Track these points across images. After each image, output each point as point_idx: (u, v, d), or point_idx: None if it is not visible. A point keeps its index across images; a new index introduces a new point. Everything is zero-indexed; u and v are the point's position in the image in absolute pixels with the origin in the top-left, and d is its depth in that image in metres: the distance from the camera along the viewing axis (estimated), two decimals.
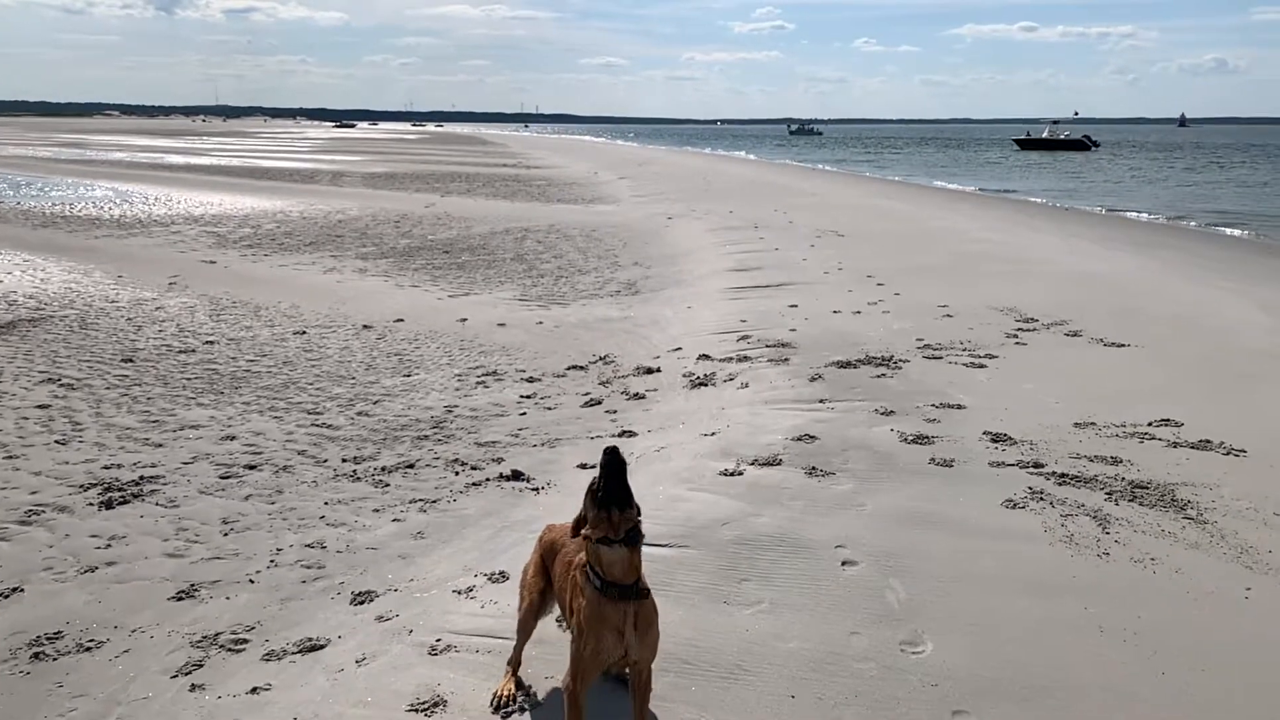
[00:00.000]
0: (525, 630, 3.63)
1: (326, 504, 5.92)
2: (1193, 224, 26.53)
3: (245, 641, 4.33)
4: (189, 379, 8.64)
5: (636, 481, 5.87)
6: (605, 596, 2.96)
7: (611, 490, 2.88)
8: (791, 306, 11.08)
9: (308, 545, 5.33)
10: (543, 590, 3.56)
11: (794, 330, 9.81)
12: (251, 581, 4.91)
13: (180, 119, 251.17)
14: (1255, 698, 3.50)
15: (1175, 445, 6.20)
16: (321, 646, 4.21)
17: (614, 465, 2.88)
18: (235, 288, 13.19)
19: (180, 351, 9.60)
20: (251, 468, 6.51)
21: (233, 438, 7.11)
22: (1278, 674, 3.65)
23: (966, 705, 3.44)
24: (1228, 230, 25.08)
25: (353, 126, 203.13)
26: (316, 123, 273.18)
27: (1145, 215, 28.90)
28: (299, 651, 4.17)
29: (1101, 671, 3.65)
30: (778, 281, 12.98)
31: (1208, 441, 6.23)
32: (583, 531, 3.00)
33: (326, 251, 16.99)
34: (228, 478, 6.32)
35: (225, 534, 5.48)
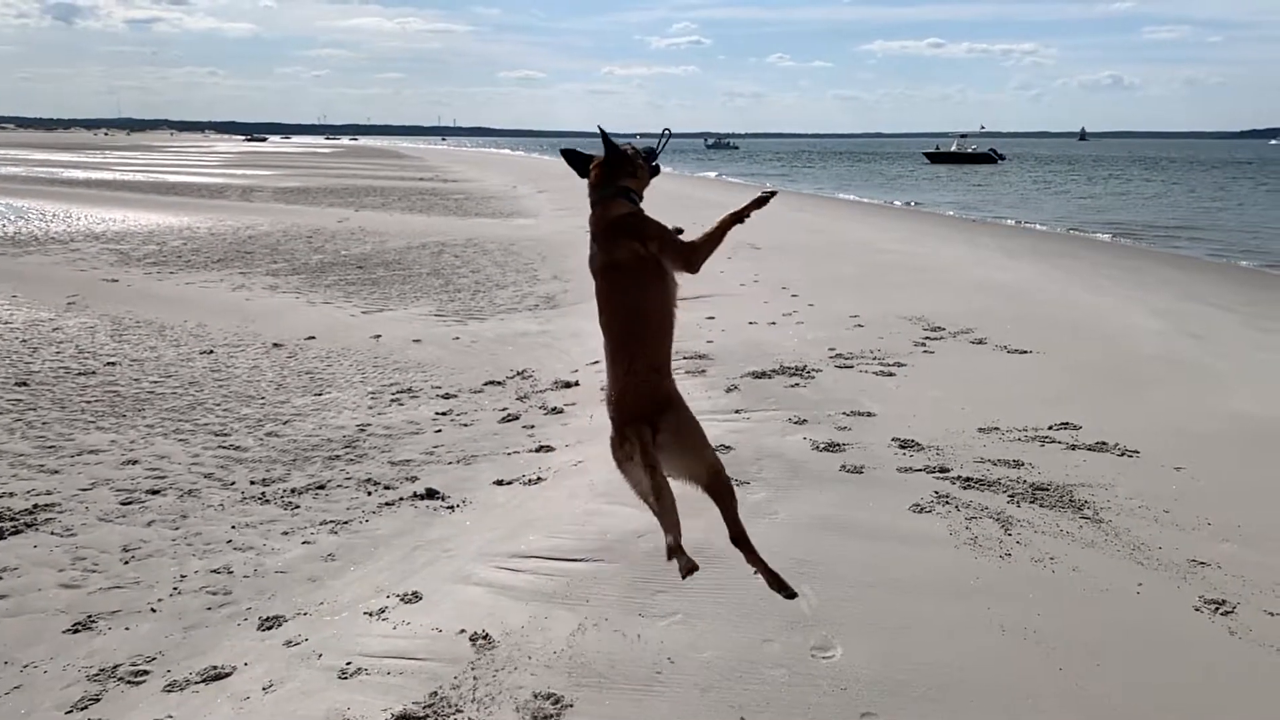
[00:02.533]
0: None
1: (234, 528, 5.76)
2: (1092, 234, 27.63)
3: (146, 673, 4.18)
4: (89, 402, 8.32)
5: (554, 495, 5.89)
6: None
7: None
8: (709, 318, 11.19)
9: (213, 571, 5.18)
10: None
11: (711, 342, 9.91)
12: (153, 610, 4.75)
13: (81, 132, 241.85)
14: (1144, 689, 3.65)
15: (1074, 447, 6.44)
16: (227, 674, 4.09)
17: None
18: (139, 307, 12.76)
19: (79, 374, 9.24)
20: (154, 492, 6.30)
21: (135, 462, 6.87)
22: (1165, 665, 3.82)
23: (874, 707, 3.52)
24: (1124, 240, 26.19)
25: (264, 140, 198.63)
26: (226, 136, 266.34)
27: (1047, 226, 30.01)
28: (203, 681, 4.05)
29: (1003, 669, 3.76)
30: (695, 294, 13.08)
31: (1104, 443, 6.49)
32: None
33: (235, 268, 16.57)
34: (129, 504, 6.10)
35: (126, 562, 5.28)
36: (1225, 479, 5.91)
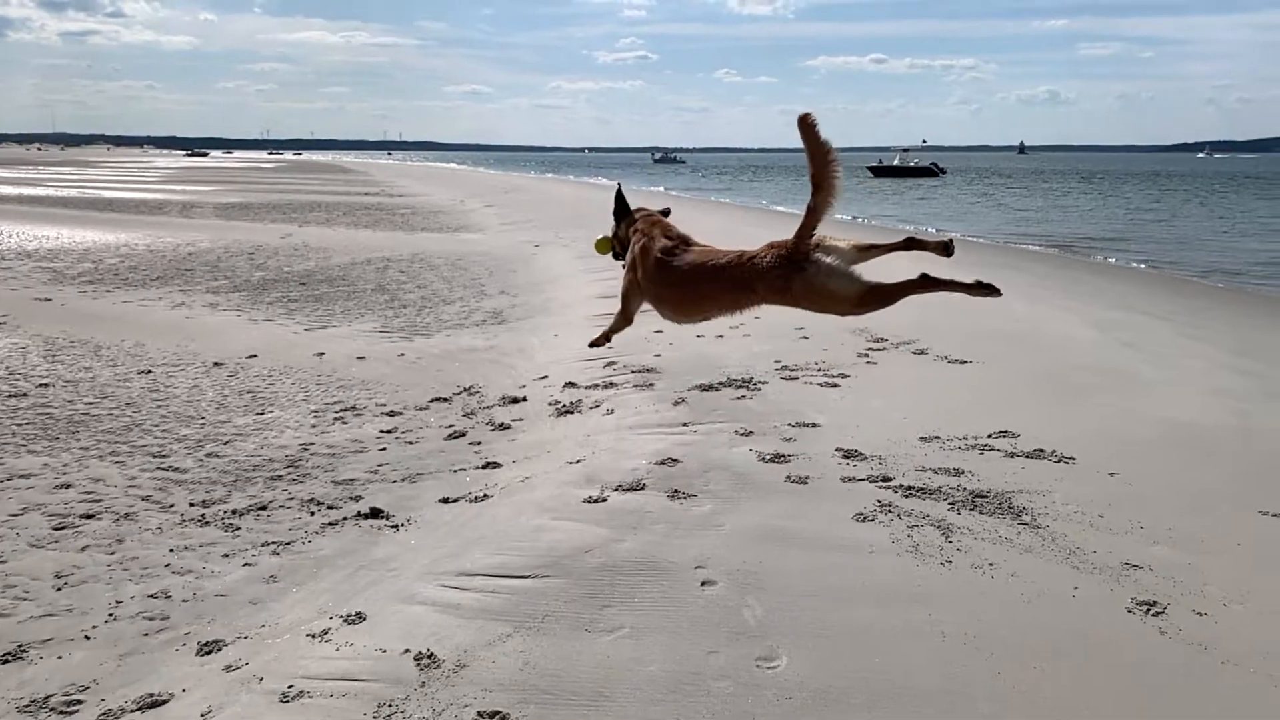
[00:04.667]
0: None
1: (172, 551, 5.64)
2: (1030, 246, 28.27)
3: (79, 703, 4.07)
4: (19, 425, 8.09)
5: (500, 513, 5.86)
6: None
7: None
8: (657, 332, 11.22)
9: (150, 596, 5.06)
10: None
11: (659, 355, 9.95)
12: (87, 638, 4.63)
13: (13, 147, 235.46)
14: (1079, 690, 3.74)
15: (1012, 455, 6.58)
16: (164, 702, 4.00)
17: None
18: (73, 326, 12.45)
19: (9, 396, 8.99)
20: (89, 516, 6.14)
21: (68, 486, 6.69)
22: (1099, 667, 3.91)
23: (819, 716, 3.55)
24: (1062, 252, 26.84)
25: (205, 155, 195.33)
26: (166, 151, 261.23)
27: (987, 238, 30.64)
28: (138, 709, 3.95)
29: (943, 675, 3.82)
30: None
31: (1041, 451, 6.64)
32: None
33: (175, 286, 16.25)
34: (62, 528, 5.94)
35: (58, 589, 5.14)
36: (1157, 483, 6.08)
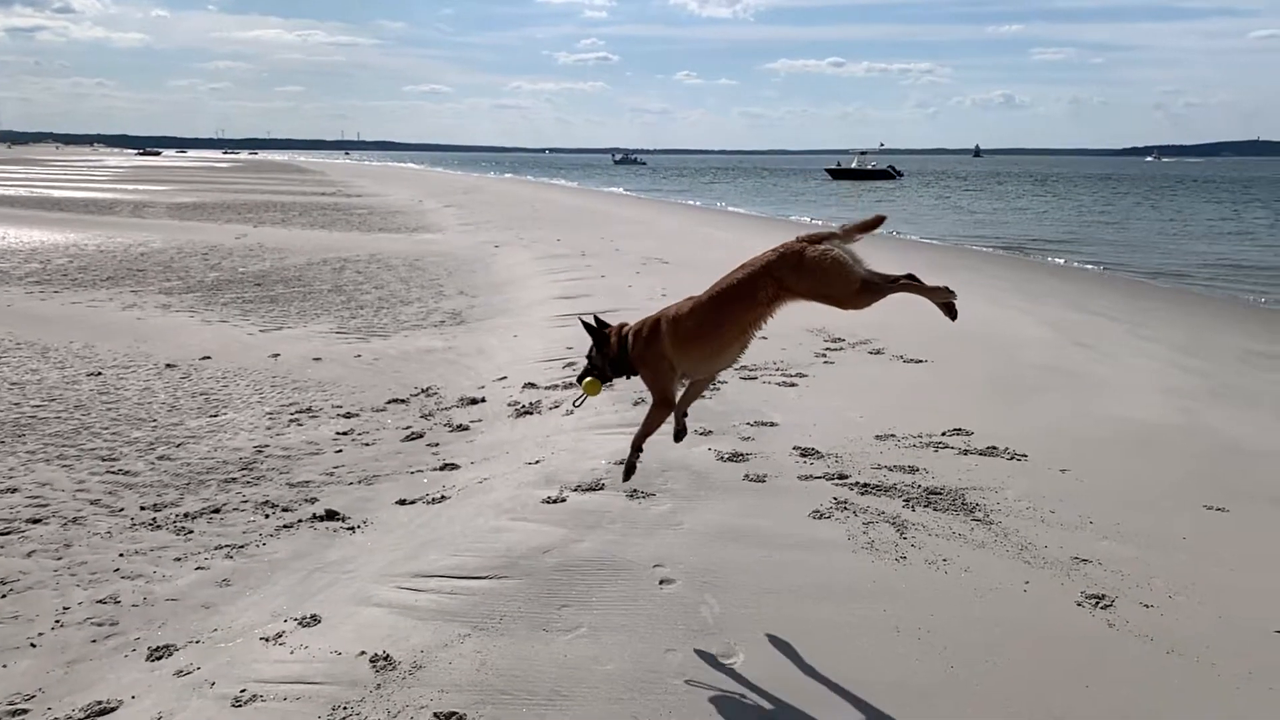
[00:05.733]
0: None
1: (122, 555, 5.53)
2: (986, 248, 28.68)
3: (25, 711, 3.98)
4: None
5: (458, 514, 5.82)
6: None
7: None
8: None
9: (99, 601, 4.97)
10: None
11: None
12: (33, 645, 4.53)
13: None
14: (1030, 683, 3.80)
15: (966, 453, 6.67)
16: (113, 709, 3.93)
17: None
18: (20, 328, 12.18)
19: None
20: (36, 521, 6.01)
21: (14, 490, 6.54)
22: (1049, 660, 3.98)
23: (775, 711, 3.58)
24: (1016, 253, 27.26)
25: (158, 154, 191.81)
26: (117, 150, 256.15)
27: (944, 240, 31.04)
28: (87, 717, 3.88)
29: (897, 669, 3.87)
30: (604, 308, 13.11)
31: (994, 448, 6.73)
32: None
33: (126, 286, 15.96)
34: (7, 534, 5.81)
35: (3, 595, 5.03)
36: (1107, 479, 6.19)
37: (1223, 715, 3.62)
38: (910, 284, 4.10)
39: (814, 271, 4.09)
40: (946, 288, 4.14)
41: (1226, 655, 4.02)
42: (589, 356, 4.70)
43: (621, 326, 4.70)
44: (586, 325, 4.73)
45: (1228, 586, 4.67)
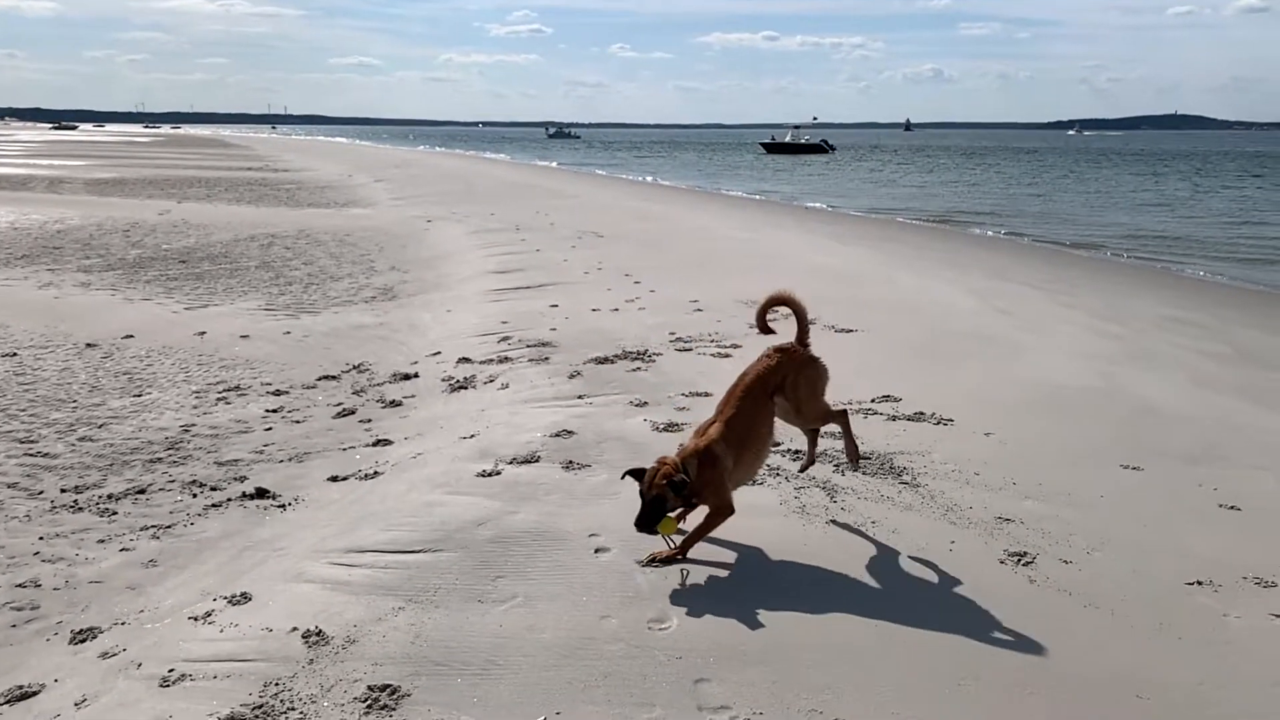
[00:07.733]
0: None
1: (42, 539, 5.38)
2: (915, 220, 29.15)
3: None
4: None
5: (391, 489, 5.78)
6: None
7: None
8: (552, 306, 11.20)
9: (18, 585, 4.83)
10: None
11: (554, 329, 9.92)
12: None
13: None
14: (954, 641, 3.92)
15: (894, 418, 6.81)
16: (34, 693, 3.84)
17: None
18: None
19: None
20: None
21: None
22: (973, 616, 4.11)
23: (708, 673, 3.63)
24: (945, 225, 27.77)
25: (74, 128, 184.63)
26: (30, 124, 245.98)
27: (875, 213, 31.46)
28: (7, 702, 3.78)
29: (826, 631, 3.95)
30: (539, 282, 13.08)
31: (922, 413, 6.89)
32: None
33: (42, 264, 15.40)
34: None
35: None
36: (1029, 441, 6.39)
37: (1136, 664, 3.77)
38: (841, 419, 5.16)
39: (813, 382, 5.03)
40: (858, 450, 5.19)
41: (1140, 607, 4.20)
42: (648, 497, 4.43)
43: (673, 458, 4.57)
44: (651, 482, 4.45)
45: (1142, 542, 4.86)
